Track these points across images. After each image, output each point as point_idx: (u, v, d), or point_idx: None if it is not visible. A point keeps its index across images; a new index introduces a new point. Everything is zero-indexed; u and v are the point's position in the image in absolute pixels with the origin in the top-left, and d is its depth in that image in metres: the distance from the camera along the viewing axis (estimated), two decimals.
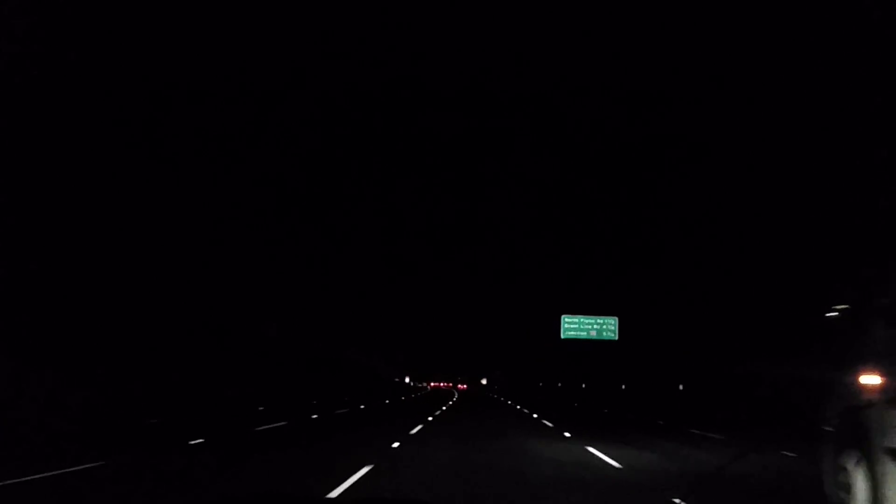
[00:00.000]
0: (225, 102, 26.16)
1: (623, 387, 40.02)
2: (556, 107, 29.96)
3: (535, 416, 23.18)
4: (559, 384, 66.97)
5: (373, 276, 60.58)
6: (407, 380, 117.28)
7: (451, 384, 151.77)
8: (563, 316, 33.53)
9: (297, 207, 38.32)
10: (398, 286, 68.23)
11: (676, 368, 32.42)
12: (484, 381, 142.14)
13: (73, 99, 18.49)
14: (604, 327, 33.29)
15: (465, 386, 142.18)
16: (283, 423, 15.14)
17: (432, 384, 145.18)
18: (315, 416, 18.14)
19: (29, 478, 6.76)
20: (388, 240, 53.60)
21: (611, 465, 9.21)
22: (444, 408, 27.16)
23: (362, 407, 25.25)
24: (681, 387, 30.95)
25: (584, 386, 54.37)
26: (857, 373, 4.60)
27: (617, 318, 33.34)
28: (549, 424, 18.28)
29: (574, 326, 33.41)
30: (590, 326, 33.36)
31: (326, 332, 51.74)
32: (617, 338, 33.32)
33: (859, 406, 4.43)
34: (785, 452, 11.38)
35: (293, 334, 40.54)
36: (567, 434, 14.64)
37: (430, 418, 19.44)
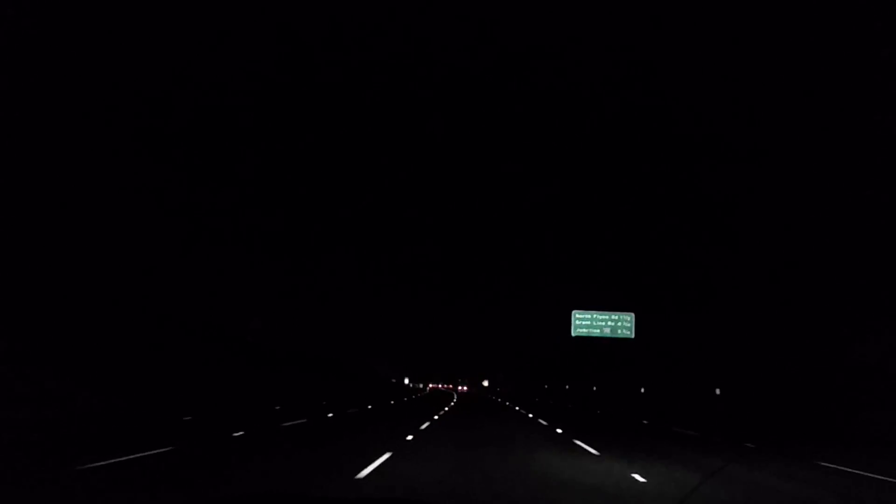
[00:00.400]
0: (221, 97, 26.96)
1: (642, 390, 37.79)
2: (567, 96, 30.88)
3: (543, 423, 21.23)
4: (566, 386, 65.41)
5: (372, 276, 63.06)
6: (406, 381, 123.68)
7: (451, 386, 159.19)
8: (574, 312, 32.93)
9: (299, 210, 40.45)
10: (397, 283, 70.40)
11: (705, 370, 30.06)
12: (486, 383, 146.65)
13: (64, 98, 20.06)
14: (619, 324, 32.54)
15: (465, 388, 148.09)
16: (303, 420, 17.77)
17: (431, 385, 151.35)
18: (331, 415, 21.11)
19: (120, 459, 8.60)
20: (389, 237, 55.71)
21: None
22: (434, 419, 21.92)
23: (370, 407, 29.64)
24: (718, 391, 28.05)
25: (594, 388, 52.55)
26: None
27: (633, 315, 32.67)
28: (559, 431, 17.00)
29: (586, 323, 32.74)
30: (603, 323, 32.66)
31: (329, 334, 55.86)
32: (633, 335, 32.54)
33: None
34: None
35: (298, 338, 44.77)
36: (594, 451, 12.05)
37: (424, 425, 20.29)
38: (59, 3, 18.84)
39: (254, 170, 33.30)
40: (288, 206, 38.78)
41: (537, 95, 32.01)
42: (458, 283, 78.53)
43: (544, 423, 21.50)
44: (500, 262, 65.06)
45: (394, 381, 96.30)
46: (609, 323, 32.69)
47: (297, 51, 26.27)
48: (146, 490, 6.87)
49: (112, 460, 8.44)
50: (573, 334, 32.89)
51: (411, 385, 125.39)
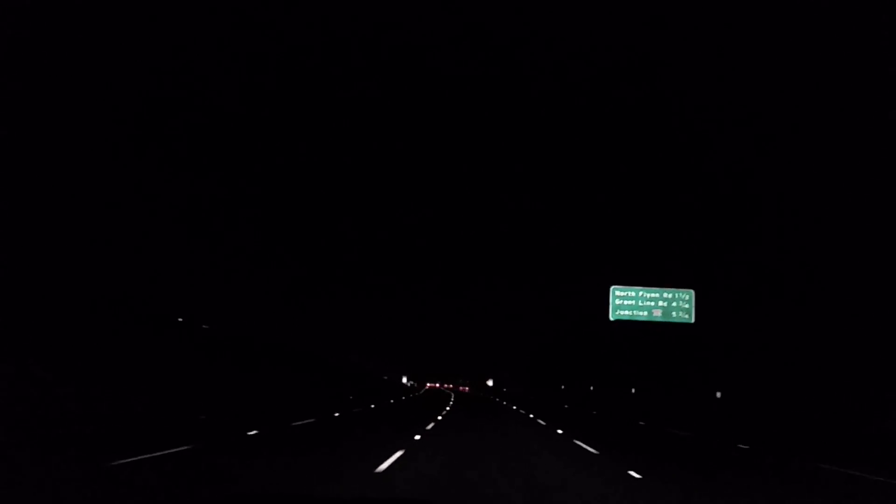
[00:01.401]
0: (224, 97, 30.99)
1: (718, 394, 31.81)
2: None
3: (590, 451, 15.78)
4: (591, 387, 62.16)
5: (372, 273, 67.11)
6: (405, 380, 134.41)
7: (451, 385, 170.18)
8: (612, 288, 30.60)
9: (298, 209, 45.81)
10: (396, 280, 73.98)
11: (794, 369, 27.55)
12: (490, 383, 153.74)
13: (63, 98, 22.92)
14: (673, 304, 30.19)
15: (466, 388, 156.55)
16: (312, 420, 20.91)
17: (428, 385, 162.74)
18: (337, 415, 25.04)
19: (139, 457, 10.79)
20: (386, 232, 60.74)
21: None
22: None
23: (373, 406, 35.07)
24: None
25: (633, 391, 48.14)
26: None
27: (693, 292, 30.34)
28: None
29: (629, 303, 30.39)
30: (652, 303, 30.29)
31: (328, 334, 62.88)
32: (693, 319, 30.22)
33: None
34: None
35: (298, 338, 51.15)
36: None
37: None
38: (58, 4, 21.65)
39: (253, 170, 38.09)
40: (288, 206, 44.28)
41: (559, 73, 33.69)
42: (461, 275, 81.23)
43: (592, 451, 15.70)
44: (509, 246, 66.69)
45: (385, 377, 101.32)
46: (661, 303, 30.30)
47: (294, 51, 30.35)
48: (175, 486, 8.98)
49: (138, 457, 10.63)
50: (612, 317, 30.55)
51: (410, 384, 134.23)
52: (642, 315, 30.52)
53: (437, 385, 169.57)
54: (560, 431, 21.60)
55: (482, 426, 23.30)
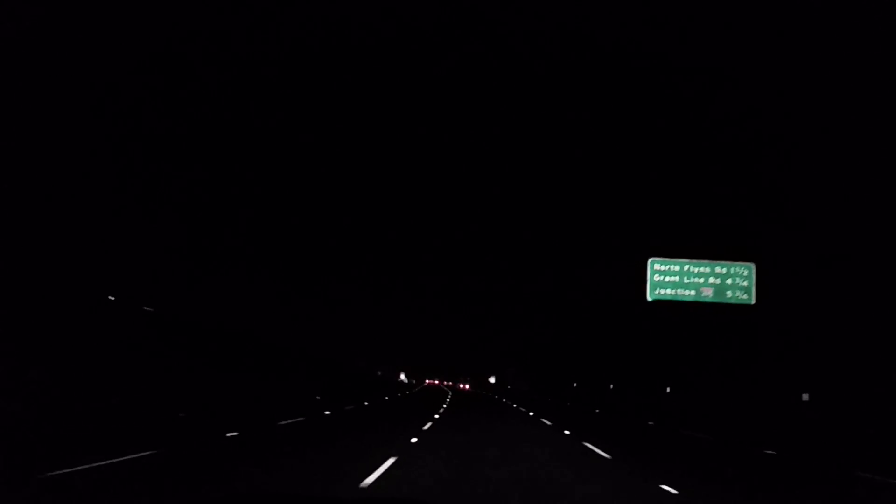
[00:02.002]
0: (218, 99, 35.08)
1: (805, 397, 29.77)
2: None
3: None
4: (611, 385, 60.52)
5: (370, 269, 70.01)
6: (402, 377, 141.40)
7: (451, 382, 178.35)
8: (651, 261, 27.62)
9: (295, 204, 50.75)
10: (395, 275, 76.41)
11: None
12: (492, 380, 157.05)
13: (62, 98, 25.40)
14: (728, 281, 27.68)
15: (467, 386, 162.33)
16: (300, 419, 20.98)
17: (427, 381, 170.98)
18: (328, 413, 25.53)
19: (93, 465, 9.97)
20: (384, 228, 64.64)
21: None
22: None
23: (366, 403, 36.27)
24: None
25: (668, 390, 45.62)
26: None
27: (753, 266, 27.76)
28: None
29: (672, 280, 27.44)
30: (701, 279, 27.61)
31: (323, 331, 66.23)
32: (753, 300, 27.63)
33: None
34: None
35: (288, 333, 54.00)
36: None
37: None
38: (58, 3, 23.63)
39: (251, 170, 41.98)
40: (283, 205, 48.48)
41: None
42: (462, 271, 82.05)
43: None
44: (516, 232, 66.79)
45: (378, 373, 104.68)
46: (713, 279, 27.69)
47: (286, 50, 34.34)
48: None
49: (84, 466, 9.81)
50: (650, 297, 27.80)
51: (407, 381, 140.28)
52: (688, 295, 27.61)
53: (437, 382, 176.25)
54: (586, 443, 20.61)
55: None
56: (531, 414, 33.68)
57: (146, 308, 31.69)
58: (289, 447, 13.98)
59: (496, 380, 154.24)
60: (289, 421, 19.52)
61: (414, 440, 16.22)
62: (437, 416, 27.26)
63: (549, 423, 27.38)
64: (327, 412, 25.25)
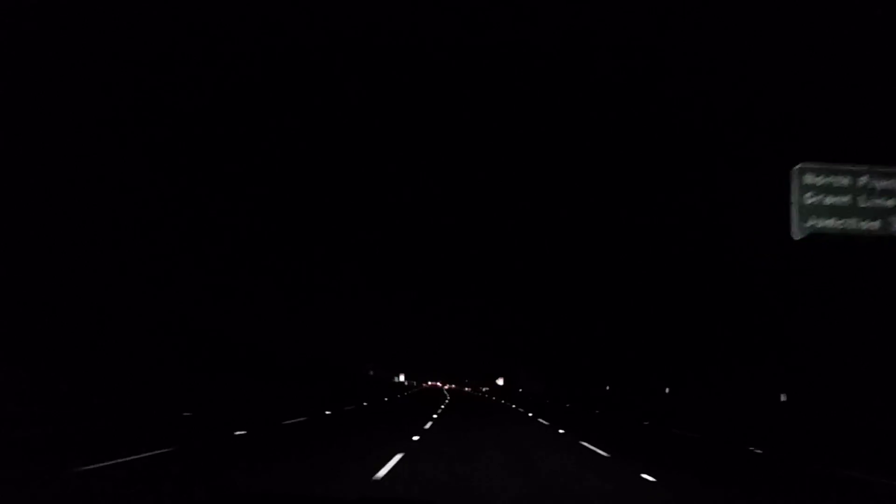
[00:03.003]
0: (224, 97, 34.74)
1: (783, 397, 27.83)
2: None
3: None
4: (667, 389, 46.27)
5: (369, 267, 70.64)
6: (402, 378, 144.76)
7: (453, 385, 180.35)
8: (795, 170, 8.80)
9: (295, 205, 50.50)
10: (394, 272, 77.17)
11: None
12: (500, 382, 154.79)
13: (62, 98, 25.74)
14: None
15: (469, 389, 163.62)
16: (303, 419, 21.94)
17: (429, 383, 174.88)
18: (329, 413, 26.58)
19: (117, 461, 10.79)
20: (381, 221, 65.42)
21: None
22: None
23: (365, 404, 37.61)
24: None
25: (783, 398, 29.39)
26: None
27: None
28: None
29: (844, 200, 14.23)
30: (892, 201, 14.13)
31: (323, 331, 66.77)
32: None
33: None
34: None
35: (288, 333, 55.21)
36: None
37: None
38: (57, 3, 23.94)
39: (250, 171, 42.09)
40: (283, 205, 48.69)
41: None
42: (465, 269, 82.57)
43: None
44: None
45: (371, 373, 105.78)
46: None
47: (284, 48, 33.81)
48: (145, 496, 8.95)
49: (111, 461, 10.68)
50: (799, 234, 9.59)
51: (406, 382, 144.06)
52: (870, 227, 13.66)
53: (437, 384, 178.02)
54: None
55: None
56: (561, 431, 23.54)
57: (146, 309, 32.37)
58: (298, 444, 14.81)
59: (504, 381, 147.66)
60: (292, 421, 20.47)
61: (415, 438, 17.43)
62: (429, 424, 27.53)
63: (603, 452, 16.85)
64: (328, 412, 26.39)
